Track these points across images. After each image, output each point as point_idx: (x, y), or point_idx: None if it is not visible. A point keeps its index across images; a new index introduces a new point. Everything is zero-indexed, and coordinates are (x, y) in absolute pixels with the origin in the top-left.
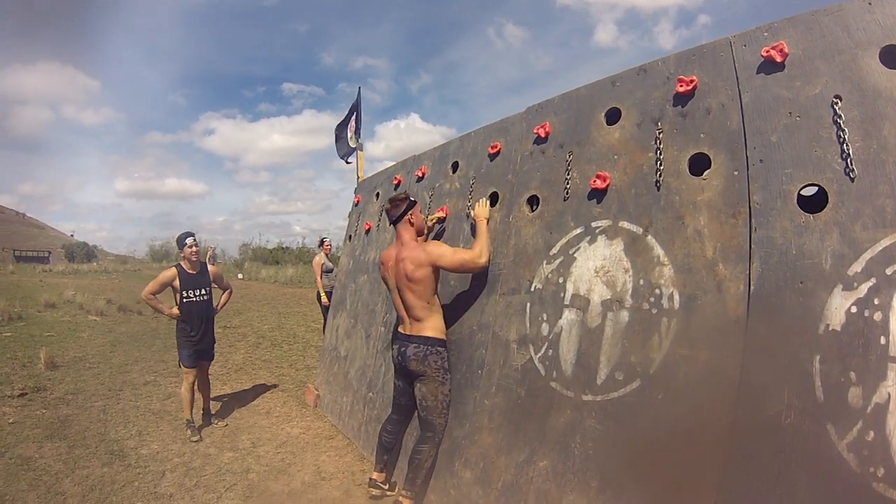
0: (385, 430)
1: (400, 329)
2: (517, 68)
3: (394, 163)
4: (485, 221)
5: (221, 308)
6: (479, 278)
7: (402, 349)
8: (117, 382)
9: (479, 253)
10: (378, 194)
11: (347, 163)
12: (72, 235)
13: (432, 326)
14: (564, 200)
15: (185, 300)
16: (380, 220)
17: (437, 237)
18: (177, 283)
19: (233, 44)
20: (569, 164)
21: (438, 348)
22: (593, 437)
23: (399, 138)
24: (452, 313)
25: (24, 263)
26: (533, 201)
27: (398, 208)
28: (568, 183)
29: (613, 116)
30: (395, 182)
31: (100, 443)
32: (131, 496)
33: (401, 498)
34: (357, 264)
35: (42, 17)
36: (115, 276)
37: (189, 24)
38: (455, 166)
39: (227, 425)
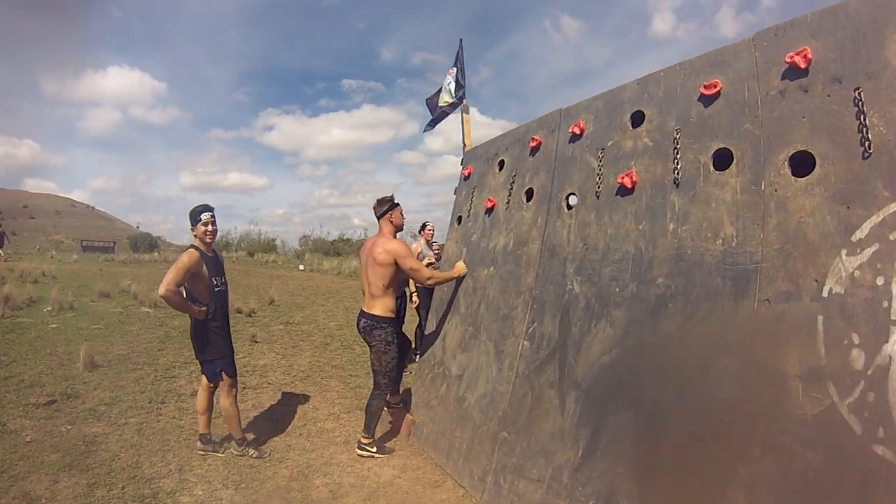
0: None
1: (362, 305)
2: (574, 60)
3: (456, 157)
4: (456, 274)
5: None
6: (710, 274)
7: (358, 322)
8: (160, 391)
9: (429, 276)
10: (502, 162)
11: (427, 129)
12: (137, 227)
13: (382, 306)
14: (864, 158)
15: (215, 289)
16: (510, 195)
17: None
18: (205, 269)
19: (292, 41)
20: (861, 105)
21: (383, 325)
22: None
23: (458, 132)
24: (664, 325)
25: (90, 252)
26: (797, 160)
27: (382, 207)
28: (866, 131)
29: None
30: (534, 144)
31: (128, 481)
32: None
33: (361, 438)
34: (475, 253)
35: (111, 24)
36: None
37: (249, 23)
38: (637, 118)
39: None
